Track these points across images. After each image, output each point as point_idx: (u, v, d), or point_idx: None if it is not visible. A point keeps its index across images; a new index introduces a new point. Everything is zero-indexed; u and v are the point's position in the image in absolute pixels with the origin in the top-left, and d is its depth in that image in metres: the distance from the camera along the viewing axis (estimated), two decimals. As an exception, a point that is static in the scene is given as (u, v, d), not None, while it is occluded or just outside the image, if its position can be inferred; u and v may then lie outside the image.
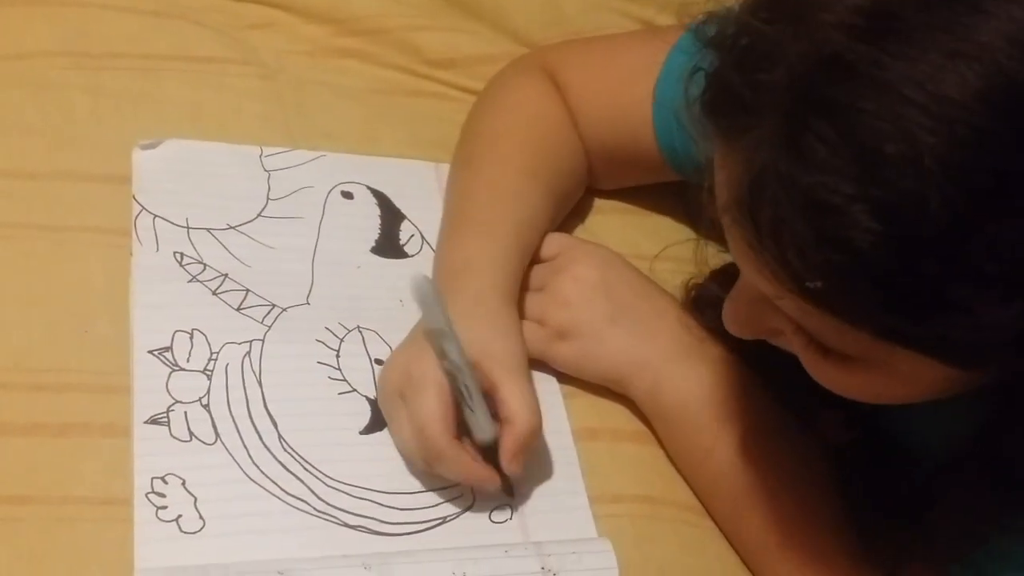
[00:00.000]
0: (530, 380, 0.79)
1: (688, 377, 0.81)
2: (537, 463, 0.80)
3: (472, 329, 0.75)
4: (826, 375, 0.65)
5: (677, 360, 0.81)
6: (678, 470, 0.83)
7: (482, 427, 0.75)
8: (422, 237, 0.92)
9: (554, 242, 0.87)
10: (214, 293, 0.82)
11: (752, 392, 0.81)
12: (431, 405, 0.74)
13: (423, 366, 0.75)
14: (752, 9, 0.59)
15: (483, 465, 0.76)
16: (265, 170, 0.90)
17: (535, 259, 0.87)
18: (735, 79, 0.58)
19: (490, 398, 0.76)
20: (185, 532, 0.72)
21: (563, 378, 0.85)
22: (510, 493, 0.78)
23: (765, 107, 0.56)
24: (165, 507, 0.72)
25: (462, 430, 0.76)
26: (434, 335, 0.73)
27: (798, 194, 0.54)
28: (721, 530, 0.81)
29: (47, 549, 0.70)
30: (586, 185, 0.95)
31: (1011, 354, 0.57)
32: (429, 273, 0.85)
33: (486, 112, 0.93)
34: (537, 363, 0.84)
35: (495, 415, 0.76)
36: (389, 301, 0.87)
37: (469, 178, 0.89)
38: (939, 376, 0.60)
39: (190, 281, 0.82)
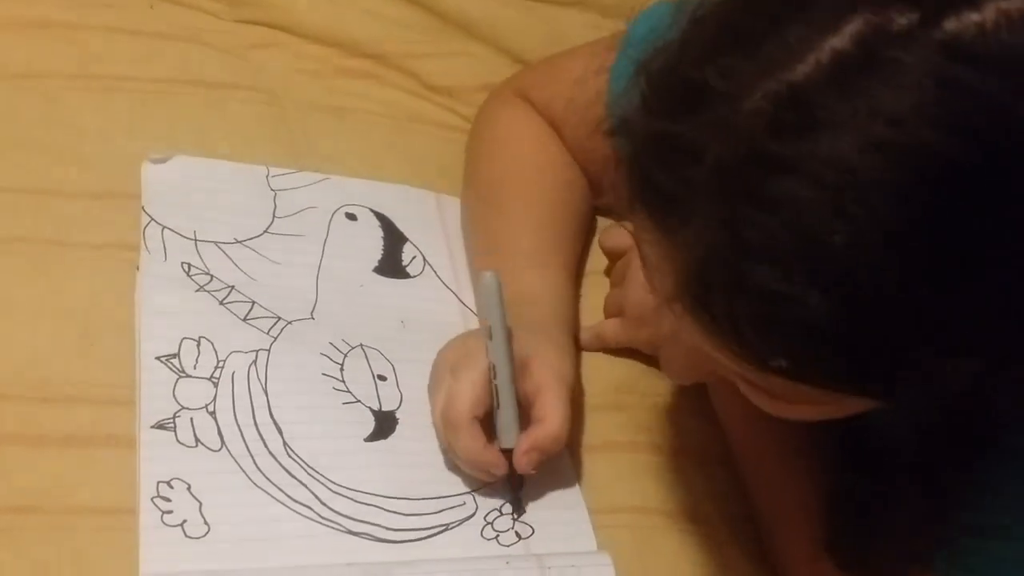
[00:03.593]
0: (570, 398, 0.80)
1: None
2: (538, 477, 0.80)
3: (531, 343, 0.77)
4: (771, 409, 0.66)
5: None
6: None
7: (506, 428, 0.76)
8: (424, 259, 0.93)
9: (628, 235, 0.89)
10: (221, 303, 0.83)
11: None
12: (469, 380, 0.76)
13: (478, 346, 0.77)
14: (654, 97, 0.58)
15: (494, 450, 0.77)
16: (271, 189, 0.92)
17: (614, 254, 0.90)
18: (660, 176, 0.57)
19: (529, 402, 0.77)
20: (190, 537, 0.72)
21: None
22: (517, 505, 0.79)
23: (698, 202, 0.56)
24: (170, 511, 0.72)
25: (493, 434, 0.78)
26: (486, 330, 0.75)
27: (749, 285, 0.55)
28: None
29: (51, 559, 0.70)
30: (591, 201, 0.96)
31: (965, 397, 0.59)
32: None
33: (484, 152, 0.95)
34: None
35: (527, 420, 0.77)
36: (391, 321, 0.88)
37: (495, 217, 0.90)
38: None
39: (197, 291, 0.83)
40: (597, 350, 0.89)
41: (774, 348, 0.57)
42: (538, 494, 0.80)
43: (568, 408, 0.78)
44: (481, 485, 0.79)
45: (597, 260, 0.95)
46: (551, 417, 0.77)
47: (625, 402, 0.87)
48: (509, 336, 0.76)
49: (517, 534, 0.78)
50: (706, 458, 0.85)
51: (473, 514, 0.78)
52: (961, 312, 0.54)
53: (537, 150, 0.93)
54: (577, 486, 0.81)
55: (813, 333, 0.55)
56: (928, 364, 0.56)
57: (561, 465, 0.82)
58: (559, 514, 0.80)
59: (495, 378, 0.75)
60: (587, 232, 0.95)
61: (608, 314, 0.90)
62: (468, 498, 0.79)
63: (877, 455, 0.73)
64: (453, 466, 0.80)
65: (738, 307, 0.56)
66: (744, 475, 0.84)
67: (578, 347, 0.86)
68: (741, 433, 0.84)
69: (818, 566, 0.77)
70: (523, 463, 0.77)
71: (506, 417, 0.76)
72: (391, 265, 0.91)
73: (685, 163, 0.56)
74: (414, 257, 0.92)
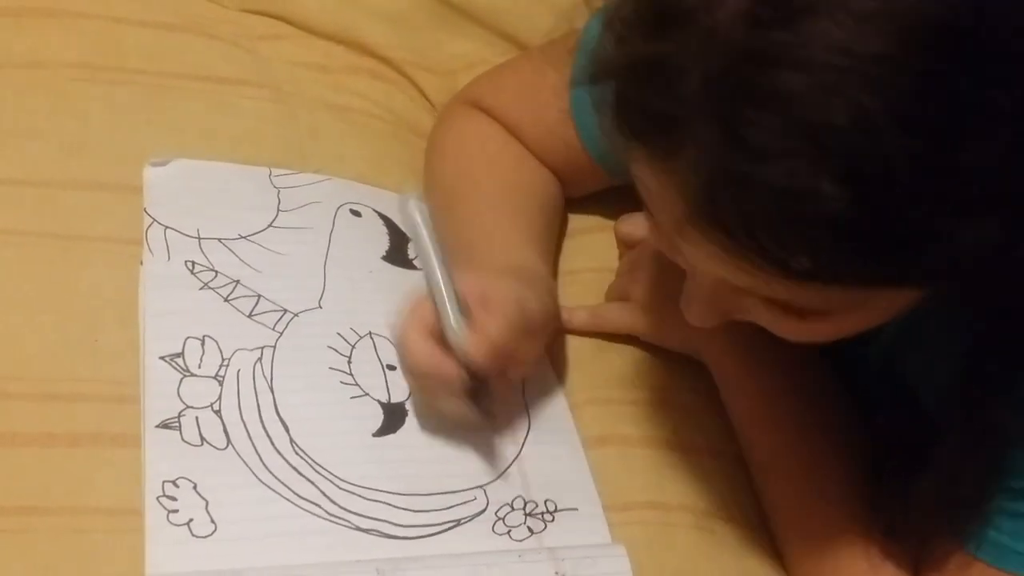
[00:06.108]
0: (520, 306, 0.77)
1: (756, 347, 0.81)
2: (550, 470, 0.80)
3: (490, 278, 0.77)
4: (796, 333, 0.66)
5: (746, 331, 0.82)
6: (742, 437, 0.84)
7: (450, 324, 0.75)
8: (429, 257, 0.92)
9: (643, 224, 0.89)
10: (226, 300, 0.82)
11: (812, 370, 0.82)
12: (409, 307, 0.77)
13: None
14: (630, 32, 0.59)
15: (448, 358, 0.74)
16: (275, 187, 0.91)
17: (629, 241, 0.90)
18: (650, 102, 0.58)
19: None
20: (196, 536, 0.71)
21: (568, 387, 0.85)
22: (486, 397, 0.77)
23: (693, 116, 0.56)
24: (176, 511, 0.72)
25: None
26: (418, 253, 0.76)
27: (757, 187, 0.55)
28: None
29: (59, 560, 0.69)
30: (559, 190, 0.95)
31: (993, 261, 0.58)
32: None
33: (437, 162, 0.94)
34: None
35: None
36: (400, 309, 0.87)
37: (453, 219, 0.89)
38: (912, 297, 0.63)
39: (201, 288, 0.82)
40: (590, 331, 0.88)
41: (793, 247, 0.56)
42: (551, 488, 0.79)
43: (514, 303, 0.76)
44: (491, 479, 0.78)
45: (573, 260, 0.94)
46: (492, 306, 0.75)
47: (637, 396, 0.86)
48: (436, 248, 0.76)
49: (529, 529, 0.77)
50: (719, 453, 0.84)
51: (484, 509, 0.77)
52: (971, 170, 0.54)
53: (490, 148, 0.93)
54: (591, 481, 0.80)
55: (829, 221, 0.54)
56: (947, 227, 0.55)
57: (574, 459, 0.81)
58: (572, 509, 0.78)
59: (429, 285, 0.76)
60: (557, 215, 0.93)
61: (610, 300, 0.90)
62: (479, 492, 0.78)
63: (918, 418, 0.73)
64: (463, 459, 0.79)
65: (750, 213, 0.56)
66: (754, 476, 0.84)
67: (567, 329, 0.86)
68: (753, 437, 0.83)
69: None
70: (472, 353, 0.74)
71: (451, 314, 0.75)
72: (399, 256, 0.90)
73: (673, 82, 0.56)
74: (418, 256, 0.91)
